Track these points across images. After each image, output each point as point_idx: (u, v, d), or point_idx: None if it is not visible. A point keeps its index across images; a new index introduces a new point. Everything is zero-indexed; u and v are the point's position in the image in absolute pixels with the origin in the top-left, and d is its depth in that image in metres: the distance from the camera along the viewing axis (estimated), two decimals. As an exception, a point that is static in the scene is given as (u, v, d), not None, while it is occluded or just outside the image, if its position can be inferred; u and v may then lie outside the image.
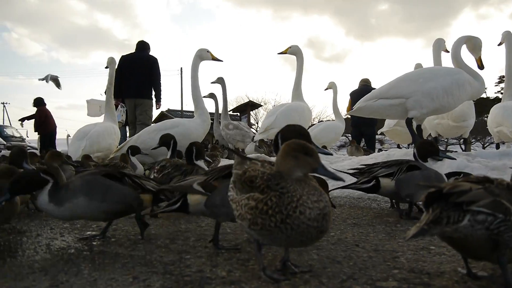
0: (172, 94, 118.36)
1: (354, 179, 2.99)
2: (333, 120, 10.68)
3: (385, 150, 6.81)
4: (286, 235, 1.37)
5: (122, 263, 1.78)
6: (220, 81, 9.97)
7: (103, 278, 1.57)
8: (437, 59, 5.73)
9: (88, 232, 2.48)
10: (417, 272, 1.63)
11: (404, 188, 2.64)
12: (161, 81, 8.57)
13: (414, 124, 4.64)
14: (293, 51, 6.97)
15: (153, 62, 8.43)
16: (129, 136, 8.57)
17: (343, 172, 3.08)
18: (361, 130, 10.15)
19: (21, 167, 2.91)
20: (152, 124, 8.05)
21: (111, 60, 7.82)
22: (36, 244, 2.19)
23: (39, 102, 12.59)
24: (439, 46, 5.78)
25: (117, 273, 1.64)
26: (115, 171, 2.20)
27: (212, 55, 6.36)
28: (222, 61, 6.48)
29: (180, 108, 35.28)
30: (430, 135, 6.79)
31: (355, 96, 9.93)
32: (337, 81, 9.43)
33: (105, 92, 7.78)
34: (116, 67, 7.96)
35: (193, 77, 6.26)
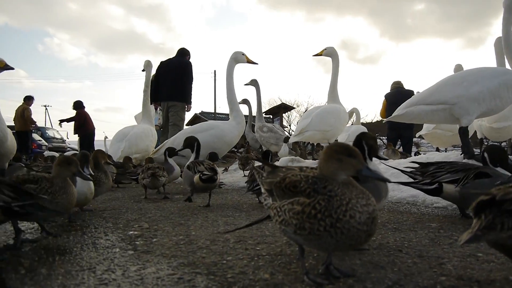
0: (205, 97, 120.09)
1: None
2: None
3: (423, 154, 6.62)
4: (335, 240, 1.36)
5: (166, 263, 1.81)
6: (254, 83, 10.00)
7: (149, 278, 1.61)
8: (499, 59, 5.43)
9: (131, 232, 2.54)
10: (465, 280, 1.58)
11: (467, 199, 2.55)
12: (191, 85, 8.63)
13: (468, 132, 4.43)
14: (329, 52, 6.91)
15: (185, 66, 8.55)
16: (161, 139, 8.75)
17: (399, 170, 3.02)
18: (400, 132, 9.94)
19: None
20: (187, 127, 8.18)
21: (147, 63, 8.02)
22: (82, 242, 2.27)
23: (78, 105, 13.07)
24: (501, 44, 5.50)
25: (162, 273, 1.67)
26: None
27: (247, 57, 6.41)
28: (257, 63, 6.52)
29: (213, 111, 35.68)
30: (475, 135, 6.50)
31: (391, 99, 9.74)
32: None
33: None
34: (152, 70, 8.16)
35: (229, 80, 6.33)
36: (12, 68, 4.59)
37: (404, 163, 5.03)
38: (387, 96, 10.10)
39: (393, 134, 10.21)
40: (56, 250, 2.08)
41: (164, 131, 8.76)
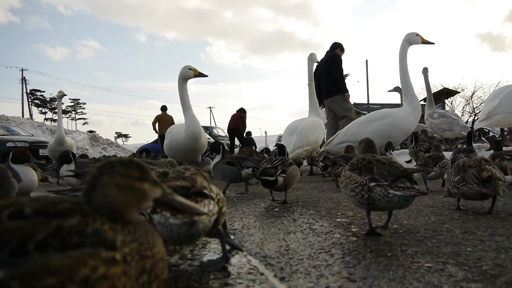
0: (358, 87, 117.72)
1: None
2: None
3: None
4: None
5: (421, 257, 1.74)
6: (424, 71, 9.52)
7: (413, 276, 1.55)
8: None
9: (338, 219, 2.55)
10: None
11: None
12: (340, 74, 8.33)
13: None
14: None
15: (331, 58, 8.32)
16: (326, 137, 8.74)
17: None
18: None
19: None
20: (361, 116, 7.99)
21: (310, 56, 8.09)
22: (301, 226, 2.35)
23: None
24: None
25: (422, 272, 1.60)
26: None
27: (422, 38, 5.94)
28: (433, 43, 5.99)
29: (366, 101, 34.61)
30: None
31: None
32: None
33: None
34: (314, 63, 8.20)
35: (402, 63, 5.97)
36: (206, 75, 5.08)
37: None
38: None
39: None
40: (279, 233, 2.18)
41: (329, 127, 8.78)
